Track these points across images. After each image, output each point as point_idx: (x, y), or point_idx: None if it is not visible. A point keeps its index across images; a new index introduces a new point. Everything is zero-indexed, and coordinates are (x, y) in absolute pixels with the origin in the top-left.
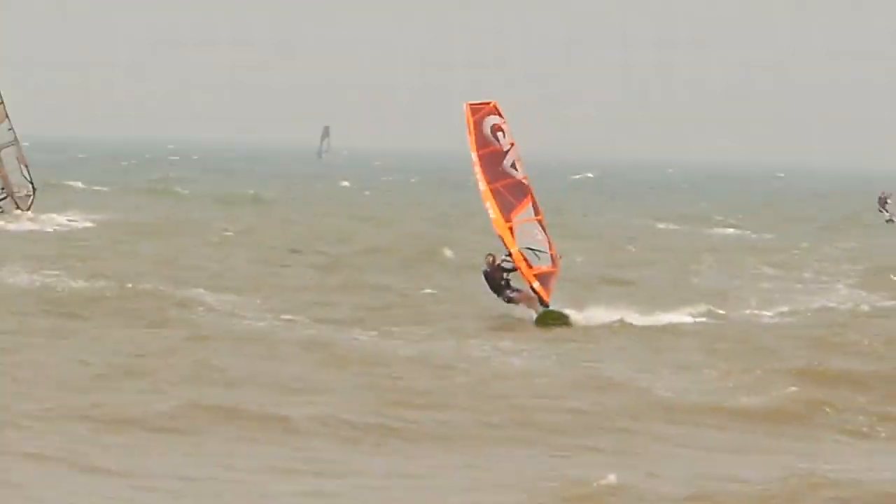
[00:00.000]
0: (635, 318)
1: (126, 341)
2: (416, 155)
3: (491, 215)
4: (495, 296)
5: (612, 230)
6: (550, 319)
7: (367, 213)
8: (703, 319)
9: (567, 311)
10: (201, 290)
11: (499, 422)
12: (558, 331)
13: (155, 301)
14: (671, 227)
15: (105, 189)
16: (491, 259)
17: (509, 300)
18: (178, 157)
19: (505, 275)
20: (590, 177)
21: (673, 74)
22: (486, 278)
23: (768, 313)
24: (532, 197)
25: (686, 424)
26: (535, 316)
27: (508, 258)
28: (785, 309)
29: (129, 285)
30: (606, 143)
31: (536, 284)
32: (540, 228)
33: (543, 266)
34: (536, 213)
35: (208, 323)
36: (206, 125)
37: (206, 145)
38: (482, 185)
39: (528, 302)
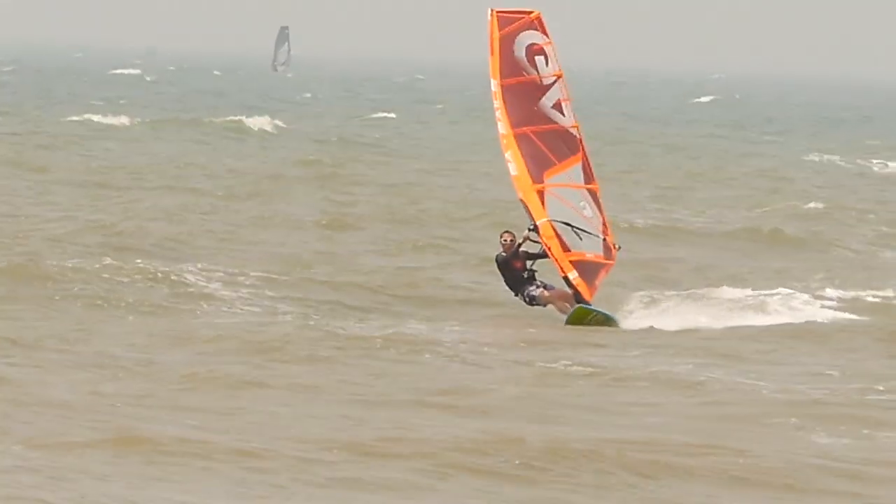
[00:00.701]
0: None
1: (101, 335)
2: (422, 68)
3: (512, 171)
4: (513, 294)
5: (764, 175)
6: (590, 320)
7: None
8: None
9: (614, 315)
10: (194, 266)
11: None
12: (705, 334)
13: (135, 283)
14: (850, 168)
15: (20, 121)
16: (508, 239)
17: (532, 300)
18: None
19: (529, 264)
20: (706, 101)
21: None
22: (501, 268)
23: None
24: (584, 155)
25: None
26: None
27: (533, 231)
28: None
29: (90, 260)
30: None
31: (574, 275)
32: (591, 202)
33: (588, 252)
34: (588, 180)
35: (211, 314)
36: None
37: (117, 52)
38: (502, 128)
39: (560, 304)
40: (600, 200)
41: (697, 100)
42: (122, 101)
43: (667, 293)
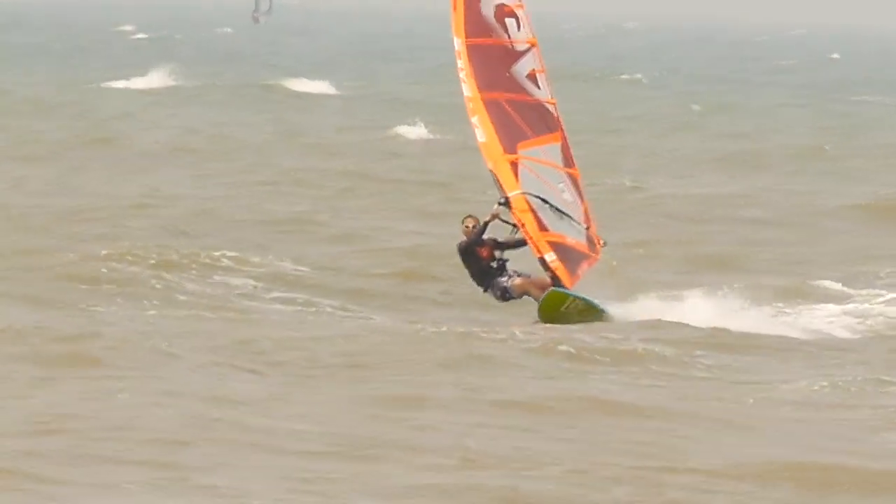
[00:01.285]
0: None
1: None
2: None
3: (479, 138)
4: (481, 290)
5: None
6: (567, 308)
7: None
8: None
9: (600, 304)
10: (226, 254)
11: None
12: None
13: (156, 271)
14: None
15: (56, 87)
16: (471, 225)
17: (504, 293)
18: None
19: (498, 254)
20: (786, 63)
21: None
22: (463, 256)
23: None
24: (563, 136)
25: None
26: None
27: (504, 206)
28: None
29: (102, 251)
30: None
31: (551, 257)
32: (572, 187)
33: (569, 237)
34: (568, 164)
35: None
36: None
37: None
38: (468, 90)
39: (538, 292)
40: (581, 189)
41: (780, 62)
42: (149, 64)
43: (792, 281)
